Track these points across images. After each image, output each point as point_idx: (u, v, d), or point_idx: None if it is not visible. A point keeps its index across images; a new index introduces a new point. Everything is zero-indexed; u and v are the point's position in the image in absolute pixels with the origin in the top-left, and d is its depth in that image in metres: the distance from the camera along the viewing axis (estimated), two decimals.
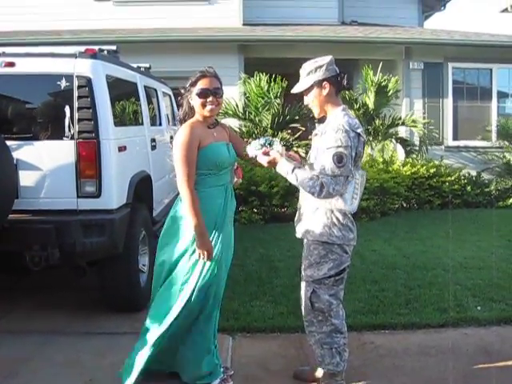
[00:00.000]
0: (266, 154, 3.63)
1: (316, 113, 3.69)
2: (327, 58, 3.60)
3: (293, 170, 3.52)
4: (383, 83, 11.23)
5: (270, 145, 3.66)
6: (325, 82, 3.55)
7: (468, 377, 4.08)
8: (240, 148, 3.94)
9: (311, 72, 3.58)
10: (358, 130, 3.48)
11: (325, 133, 3.52)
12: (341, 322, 3.68)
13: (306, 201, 3.67)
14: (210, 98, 3.65)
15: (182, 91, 3.73)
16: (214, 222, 3.70)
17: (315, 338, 3.72)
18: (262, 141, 3.70)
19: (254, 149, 3.69)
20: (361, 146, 3.51)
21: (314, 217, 3.61)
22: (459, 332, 4.87)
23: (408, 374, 4.12)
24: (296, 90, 3.69)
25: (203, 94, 3.65)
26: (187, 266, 3.68)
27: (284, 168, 3.57)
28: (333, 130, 3.45)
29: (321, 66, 3.56)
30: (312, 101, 3.64)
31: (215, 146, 3.70)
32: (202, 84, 3.66)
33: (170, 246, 3.76)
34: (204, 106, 3.67)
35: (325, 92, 3.57)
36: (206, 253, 3.56)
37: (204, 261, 3.59)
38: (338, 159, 3.37)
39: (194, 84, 3.67)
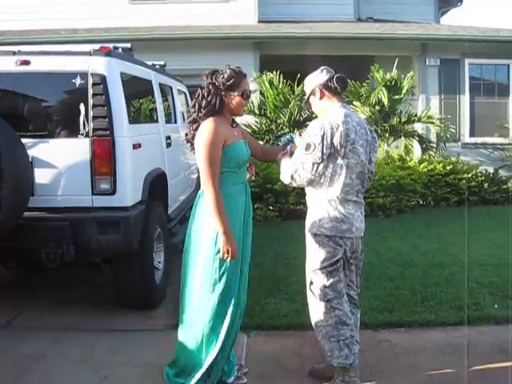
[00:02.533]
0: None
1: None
2: (318, 69, 3.83)
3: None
4: (393, 83, 11.15)
5: (292, 141, 3.97)
6: (316, 89, 3.79)
7: (484, 375, 4.04)
8: (252, 146, 3.94)
9: (307, 84, 3.87)
10: (337, 120, 3.60)
11: None
12: (345, 314, 3.71)
13: (306, 196, 3.87)
14: (248, 100, 3.79)
15: (209, 86, 3.63)
16: (239, 220, 3.70)
17: (322, 332, 3.75)
18: (285, 139, 4.05)
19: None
20: (340, 136, 3.57)
21: (310, 210, 3.81)
22: (476, 330, 4.83)
23: (424, 373, 4.09)
24: (303, 103, 4.14)
25: (247, 96, 3.72)
26: (214, 266, 3.64)
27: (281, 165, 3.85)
28: (314, 122, 3.72)
29: (311, 77, 3.84)
30: (314, 108, 3.91)
31: (238, 144, 3.71)
32: (245, 85, 3.71)
33: (196, 248, 3.73)
34: (243, 106, 3.75)
35: (318, 97, 3.81)
36: (230, 251, 3.54)
37: (228, 260, 3.57)
38: (306, 147, 3.61)
39: (238, 83, 3.64)
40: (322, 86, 3.75)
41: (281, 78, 11.01)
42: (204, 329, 3.67)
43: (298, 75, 10.34)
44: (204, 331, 3.67)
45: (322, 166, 3.59)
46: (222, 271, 3.63)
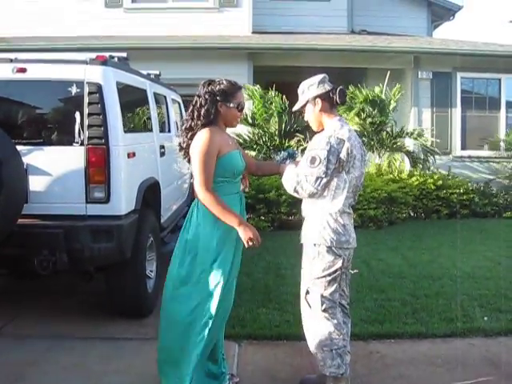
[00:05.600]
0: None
1: (314, 127, 3.91)
2: (319, 76, 3.82)
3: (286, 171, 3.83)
4: (374, 99, 11.20)
5: (293, 157, 3.98)
6: (317, 99, 3.77)
7: None
8: (245, 159, 3.96)
9: (304, 91, 3.84)
10: (343, 136, 3.62)
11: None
12: (338, 323, 3.74)
13: (304, 206, 3.86)
14: (242, 113, 3.84)
15: (206, 95, 3.65)
16: (234, 230, 3.71)
17: (315, 341, 3.77)
18: (285, 154, 4.03)
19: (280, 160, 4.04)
20: (346, 152, 3.60)
21: (309, 220, 3.80)
22: (466, 342, 4.86)
23: None
24: (294, 108, 3.99)
25: (241, 108, 3.78)
26: (207, 278, 3.63)
27: (285, 174, 3.83)
28: (319, 135, 3.72)
29: (312, 85, 3.80)
30: (309, 117, 3.88)
31: (234, 154, 3.72)
32: (240, 97, 3.76)
33: (185, 259, 3.70)
34: (238, 118, 3.81)
35: (317, 108, 3.79)
36: (253, 237, 3.55)
37: (254, 245, 3.57)
38: (311, 160, 3.61)
39: (233, 95, 3.69)
40: (324, 97, 3.74)
41: (272, 91, 11.04)
42: (202, 333, 3.63)
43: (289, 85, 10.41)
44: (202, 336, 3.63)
45: (325, 180, 3.60)
46: (219, 280, 3.62)
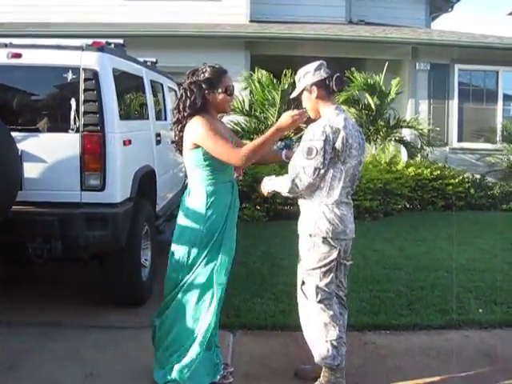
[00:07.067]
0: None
1: (311, 115, 3.84)
2: (316, 63, 3.76)
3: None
4: (374, 84, 11.16)
5: (289, 147, 3.98)
6: (313, 87, 3.72)
7: (468, 379, 4.07)
8: (240, 147, 3.94)
9: (301, 78, 3.79)
10: (339, 125, 3.58)
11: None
12: (334, 315, 3.73)
13: (299, 196, 3.81)
14: (232, 96, 3.77)
15: (191, 85, 3.63)
16: (225, 216, 3.70)
17: (311, 332, 3.78)
18: (282, 144, 4.08)
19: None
20: (341, 141, 3.55)
21: (305, 211, 3.77)
22: (460, 334, 4.86)
23: (408, 375, 4.10)
24: (292, 96, 3.96)
25: (230, 92, 3.72)
26: (200, 266, 3.67)
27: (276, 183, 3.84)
28: (313, 125, 3.66)
29: (308, 72, 3.74)
30: (306, 104, 3.82)
31: None
32: (227, 81, 3.71)
33: (182, 246, 3.74)
34: (228, 102, 3.76)
35: (314, 96, 3.73)
36: (295, 115, 3.55)
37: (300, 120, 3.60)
38: (308, 151, 3.55)
39: (219, 81, 3.66)
40: (320, 85, 3.69)
41: (270, 78, 10.98)
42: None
43: (286, 73, 10.38)
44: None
45: (323, 170, 3.56)
46: (210, 266, 3.66)
